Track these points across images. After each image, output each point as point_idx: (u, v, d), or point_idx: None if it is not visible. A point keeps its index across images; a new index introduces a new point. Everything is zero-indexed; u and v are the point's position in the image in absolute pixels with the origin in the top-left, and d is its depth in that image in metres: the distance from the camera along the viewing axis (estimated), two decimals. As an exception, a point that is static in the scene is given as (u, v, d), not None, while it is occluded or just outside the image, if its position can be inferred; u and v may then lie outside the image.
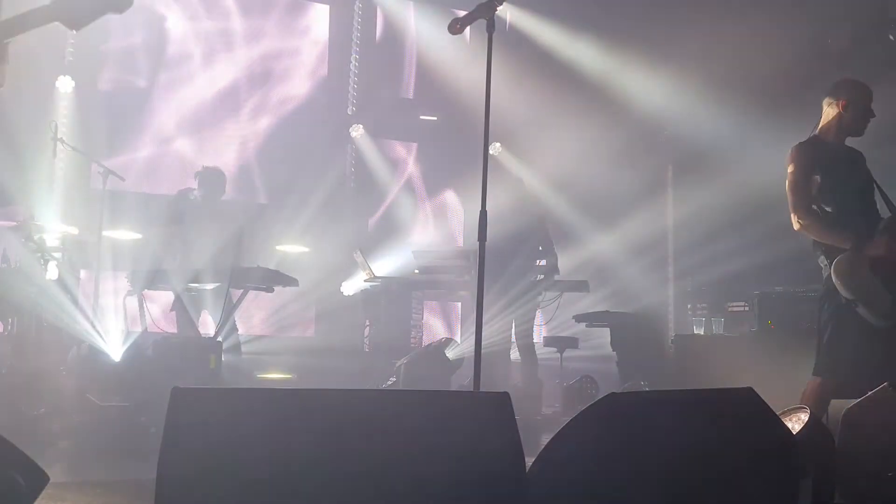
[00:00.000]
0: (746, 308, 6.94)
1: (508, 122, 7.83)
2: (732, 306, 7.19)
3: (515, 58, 8.05)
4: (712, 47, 7.42)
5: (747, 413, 2.57)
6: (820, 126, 4.01)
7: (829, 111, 3.99)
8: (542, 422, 6.07)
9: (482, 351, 3.23)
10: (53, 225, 5.90)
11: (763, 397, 2.63)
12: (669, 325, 8.66)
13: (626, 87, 8.31)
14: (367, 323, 7.26)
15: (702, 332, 7.24)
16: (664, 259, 9.09)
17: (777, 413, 2.75)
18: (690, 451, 2.27)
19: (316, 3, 8.61)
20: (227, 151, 8.06)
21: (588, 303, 7.62)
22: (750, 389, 2.63)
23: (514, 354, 6.80)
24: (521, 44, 8.55)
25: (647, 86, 8.15)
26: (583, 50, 8.43)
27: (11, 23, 2.43)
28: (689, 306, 8.23)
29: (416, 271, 7.05)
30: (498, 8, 3.24)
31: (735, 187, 7.55)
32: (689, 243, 8.54)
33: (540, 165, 8.28)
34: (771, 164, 4.68)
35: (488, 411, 2.11)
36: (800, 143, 3.96)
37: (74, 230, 5.93)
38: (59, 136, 6.73)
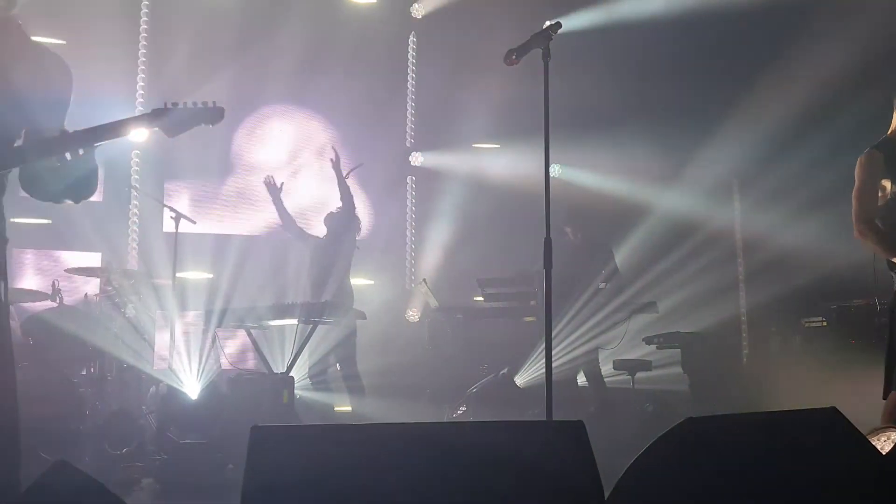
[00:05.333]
0: (824, 323, 6.72)
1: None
2: (809, 322, 6.96)
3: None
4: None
5: (832, 434, 2.48)
6: (891, 127, 3.88)
7: None
8: (617, 449, 5.92)
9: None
10: (130, 268, 6.13)
11: (848, 417, 2.54)
12: (743, 344, 8.43)
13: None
14: (435, 352, 7.28)
15: (778, 350, 7.03)
16: (734, 274, 8.88)
17: (864, 433, 2.65)
18: (774, 477, 2.21)
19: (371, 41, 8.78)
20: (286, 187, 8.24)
21: (658, 324, 7.48)
22: (833, 409, 2.54)
23: (580, 380, 6.73)
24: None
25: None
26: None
27: (109, 127, 2.65)
28: (763, 323, 8.00)
29: (481, 298, 7.06)
30: (553, 37, 3.26)
31: (806, 191, 7.35)
32: (759, 257, 8.33)
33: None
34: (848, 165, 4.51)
35: (564, 440, 2.09)
36: (869, 148, 3.83)
37: (149, 273, 6.14)
38: (132, 184, 7.03)
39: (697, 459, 2.17)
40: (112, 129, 2.66)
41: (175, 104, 2.72)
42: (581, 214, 6.96)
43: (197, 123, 2.75)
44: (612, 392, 6.70)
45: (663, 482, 2.19)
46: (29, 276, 7.18)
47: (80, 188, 2.73)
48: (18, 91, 2.58)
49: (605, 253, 6.89)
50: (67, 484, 2.00)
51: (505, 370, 6.63)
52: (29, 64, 2.65)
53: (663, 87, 8.41)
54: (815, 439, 2.44)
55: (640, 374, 6.80)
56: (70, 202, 2.77)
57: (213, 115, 2.75)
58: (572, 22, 7.77)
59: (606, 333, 6.75)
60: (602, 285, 6.65)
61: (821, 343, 6.59)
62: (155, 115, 2.70)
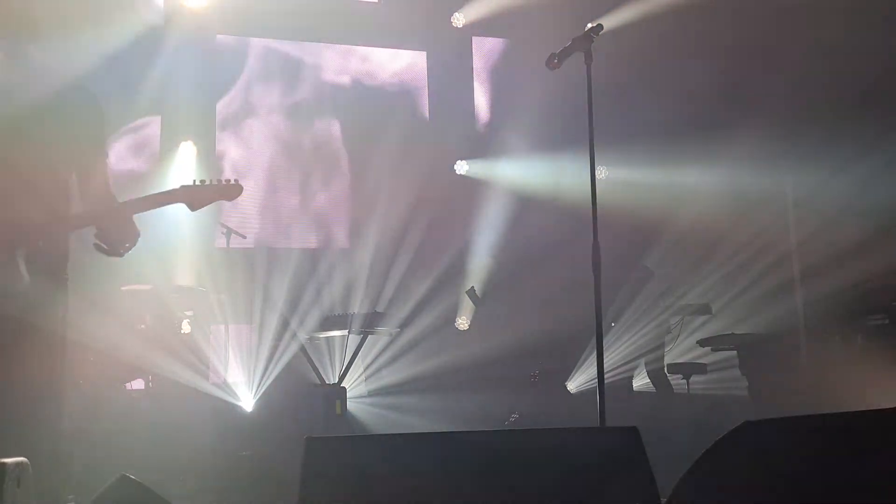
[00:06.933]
0: (887, 321, 6.50)
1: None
2: (872, 319, 6.74)
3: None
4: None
5: (899, 436, 2.40)
6: None
7: None
8: (674, 454, 5.83)
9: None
10: (183, 284, 6.25)
11: (916, 417, 2.45)
12: (802, 344, 8.19)
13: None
14: (486, 360, 7.25)
15: (839, 350, 6.82)
16: (789, 266, 8.62)
17: (933, 434, 2.55)
18: (840, 482, 2.14)
19: (413, 51, 8.84)
20: (333, 198, 8.30)
21: (712, 325, 7.32)
22: (900, 410, 2.46)
23: (636, 384, 6.64)
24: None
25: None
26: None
27: (144, 200, 2.98)
28: (822, 322, 7.76)
29: (530, 306, 7.00)
30: (594, 40, 3.23)
31: (864, 177, 7.11)
32: (816, 248, 8.07)
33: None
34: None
35: (618, 447, 2.07)
36: None
37: (203, 288, 6.25)
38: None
39: (756, 464, 2.12)
40: (146, 202, 2.97)
41: (203, 181, 3.04)
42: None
43: (218, 199, 3.07)
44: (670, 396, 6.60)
45: (721, 488, 2.14)
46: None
47: None
48: (56, 135, 2.74)
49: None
50: (129, 497, 2.05)
51: (557, 377, 6.58)
52: (61, 104, 2.79)
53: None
54: (882, 441, 2.37)
55: (695, 378, 6.68)
56: None
57: (233, 191, 3.08)
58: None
59: (659, 336, 6.65)
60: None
61: (884, 341, 6.37)
62: (183, 191, 3.00)
